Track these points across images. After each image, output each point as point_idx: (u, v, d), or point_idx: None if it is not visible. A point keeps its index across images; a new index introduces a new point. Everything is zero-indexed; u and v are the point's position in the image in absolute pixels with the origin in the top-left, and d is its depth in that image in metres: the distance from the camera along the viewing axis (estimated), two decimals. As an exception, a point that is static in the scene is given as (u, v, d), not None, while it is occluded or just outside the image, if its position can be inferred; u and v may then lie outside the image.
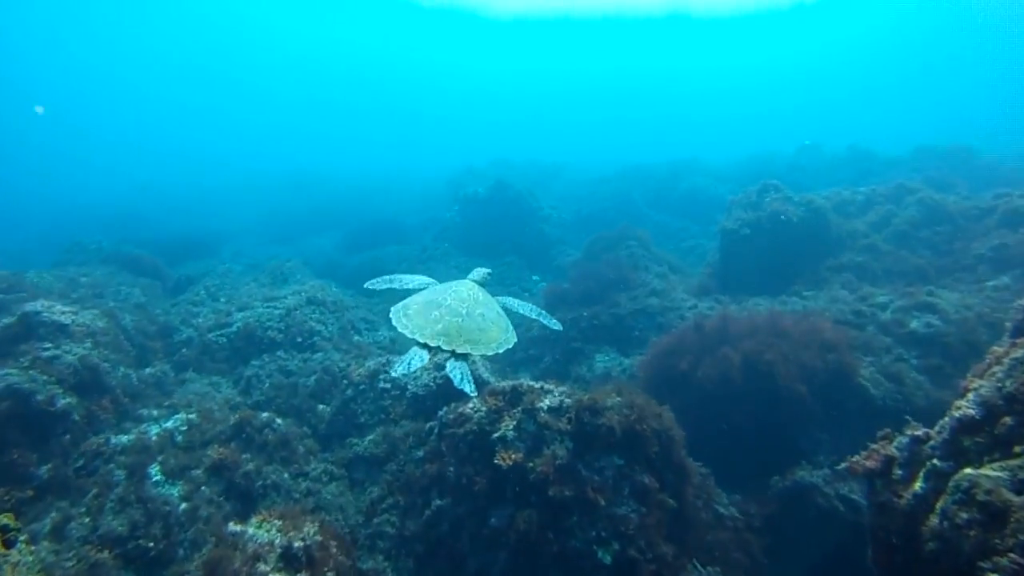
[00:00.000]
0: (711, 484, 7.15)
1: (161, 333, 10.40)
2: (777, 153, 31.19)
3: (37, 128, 74.94)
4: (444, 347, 4.47)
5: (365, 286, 5.48)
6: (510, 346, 4.77)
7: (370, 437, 7.44)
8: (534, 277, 17.22)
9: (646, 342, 10.63)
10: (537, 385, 6.35)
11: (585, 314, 11.08)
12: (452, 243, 19.58)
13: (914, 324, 9.15)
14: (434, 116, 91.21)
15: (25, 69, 76.72)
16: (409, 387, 7.71)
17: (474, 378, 7.28)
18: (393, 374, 5.07)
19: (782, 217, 11.73)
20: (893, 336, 9.13)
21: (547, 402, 6.07)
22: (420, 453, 6.85)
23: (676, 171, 27.71)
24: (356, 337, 10.59)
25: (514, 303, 5.66)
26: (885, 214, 12.59)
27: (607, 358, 10.47)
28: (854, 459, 4.75)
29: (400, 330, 4.64)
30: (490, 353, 4.65)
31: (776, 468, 7.70)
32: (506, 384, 6.40)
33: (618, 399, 6.04)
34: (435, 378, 7.59)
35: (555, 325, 5.57)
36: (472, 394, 4.39)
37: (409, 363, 4.36)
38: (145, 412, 7.76)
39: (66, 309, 8.35)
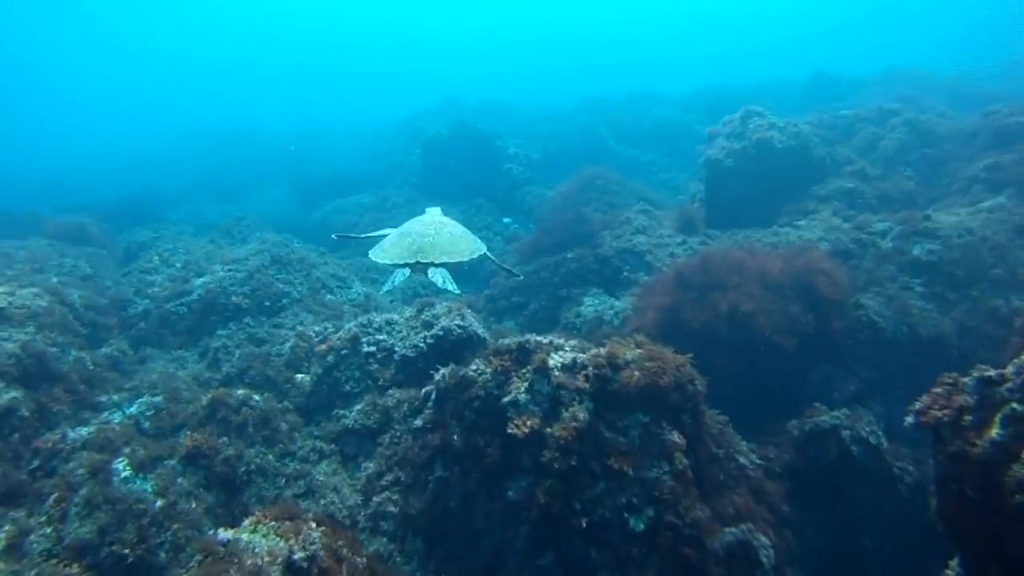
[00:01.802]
0: (730, 432, 6.70)
1: (114, 307, 9.45)
2: (739, 84, 30.66)
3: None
4: (422, 260, 4.97)
5: (334, 236, 5.81)
6: (482, 253, 5.29)
7: (358, 407, 6.78)
8: (505, 219, 16.52)
9: (636, 282, 10.13)
10: (545, 340, 5.75)
11: (569, 256, 10.49)
12: (415, 189, 18.69)
13: (916, 251, 8.81)
14: (369, 69, 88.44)
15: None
16: (397, 349, 7.05)
17: (468, 334, 6.71)
18: (380, 294, 5.41)
19: (776, 146, 11.19)
20: (896, 264, 8.78)
21: (559, 358, 5.49)
22: (418, 422, 6.23)
23: (638, 103, 26.96)
24: (328, 296, 9.82)
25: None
26: (871, 138, 12.18)
27: (596, 301, 9.92)
28: (919, 407, 4.32)
29: (381, 261, 5.13)
30: (465, 259, 5.11)
31: (790, 407, 7.33)
32: (510, 341, 5.78)
33: (638, 351, 5.49)
34: (424, 338, 6.93)
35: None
36: (456, 292, 4.96)
37: (393, 281, 5.05)
38: (105, 399, 6.95)
39: (1, 290, 7.42)
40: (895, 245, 9.04)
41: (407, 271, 5.03)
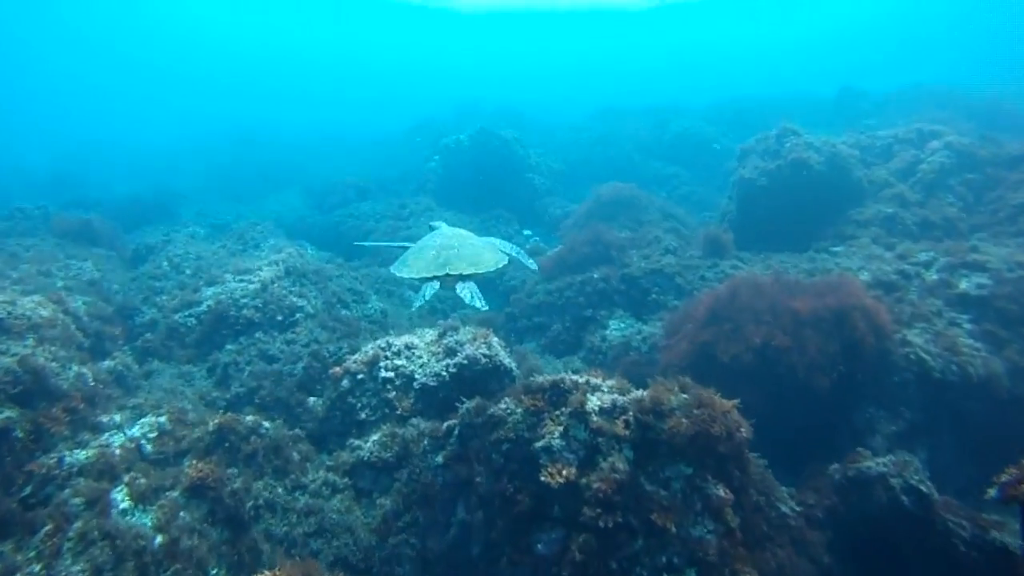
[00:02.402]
0: (769, 477, 6.26)
1: (120, 315, 9.06)
2: (759, 96, 30.20)
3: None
4: (451, 273, 5.08)
5: (355, 244, 6.75)
6: (505, 263, 5.44)
7: (374, 437, 6.35)
8: (525, 232, 16.10)
9: (664, 305, 9.71)
10: (581, 379, 5.31)
11: (595, 275, 10.05)
12: (433, 197, 18.22)
13: (964, 285, 8.33)
14: (382, 69, 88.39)
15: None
16: (417, 377, 6.60)
17: (495, 364, 6.28)
18: (413, 309, 5.88)
19: (813, 167, 10.74)
20: (942, 298, 8.30)
21: (597, 401, 5.06)
22: (439, 459, 5.80)
23: (659, 114, 26.47)
24: (343, 311, 9.38)
25: (496, 241, 6.17)
26: (910, 160, 11.66)
27: (623, 324, 9.49)
28: (1007, 480, 3.90)
29: (407, 276, 5.25)
30: (492, 270, 5.25)
31: (828, 448, 6.90)
32: (543, 379, 5.34)
33: (683, 396, 5.05)
34: (447, 366, 6.49)
35: (532, 265, 6.28)
36: (483, 308, 5.06)
37: (424, 295, 5.12)
38: (106, 419, 6.51)
39: (1, 299, 7.02)
40: (941, 277, 8.58)
41: (436, 284, 5.15)
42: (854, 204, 11.08)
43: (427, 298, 5.10)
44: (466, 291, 5.08)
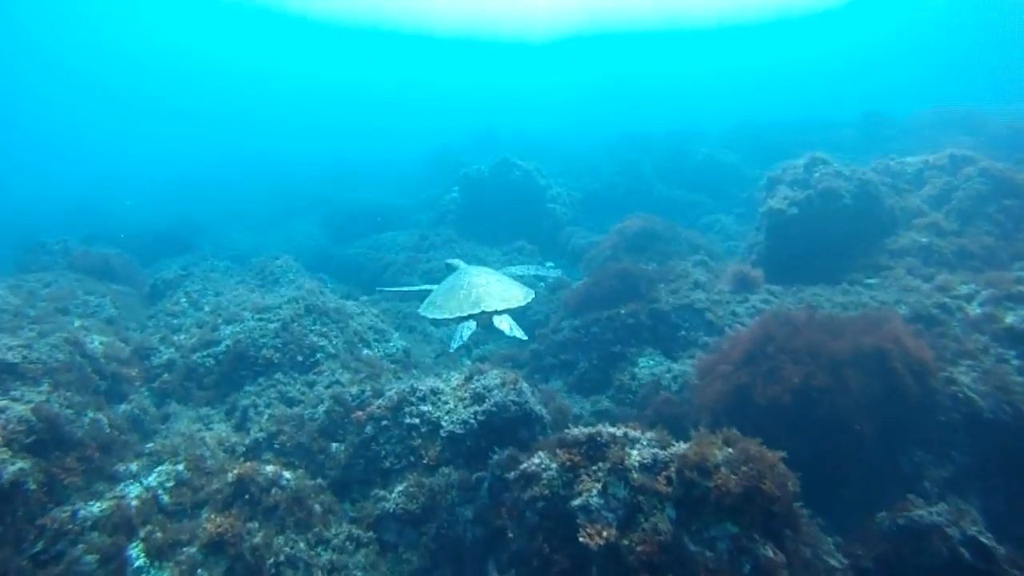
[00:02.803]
0: (815, 530, 5.92)
1: (137, 355, 8.86)
2: (780, 121, 30.01)
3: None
4: (487, 310, 5.08)
5: (378, 290, 6.62)
6: (532, 297, 5.49)
7: (400, 488, 6.07)
8: (547, 263, 15.84)
9: (695, 342, 9.39)
10: (619, 432, 5.02)
11: (622, 311, 9.74)
12: (454, 228, 18.03)
13: (1010, 319, 7.96)
14: (404, 99, 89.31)
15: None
16: (443, 424, 6.33)
17: (525, 411, 6.01)
18: (451, 350, 5.30)
19: (843, 196, 10.45)
20: (987, 333, 7.94)
21: (637, 456, 4.76)
22: (468, 513, 5.52)
23: (679, 141, 26.29)
24: (365, 351, 9.14)
25: (516, 269, 6.71)
26: (943, 187, 11.31)
27: (652, 362, 9.17)
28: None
29: (440, 317, 5.25)
30: (522, 304, 5.29)
31: (872, 495, 6.56)
32: (579, 432, 5.06)
33: (729, 451, 4.74)
34: (475, 413, 6.22)
35: (554, 272, 7.01)
36: (523, 338, 5.10)
37: (461, 335, 5.01)
38: (122, 468, 6.30)
39: (14, 343, 6.83)
40: (985, 311, 8.22)
41: (473, 324, 5.11)
42: (886, 233, 10.75)
43: (465, 339, 5.01)
44: (504, 323, 5.11)
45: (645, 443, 4.93)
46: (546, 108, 69.54)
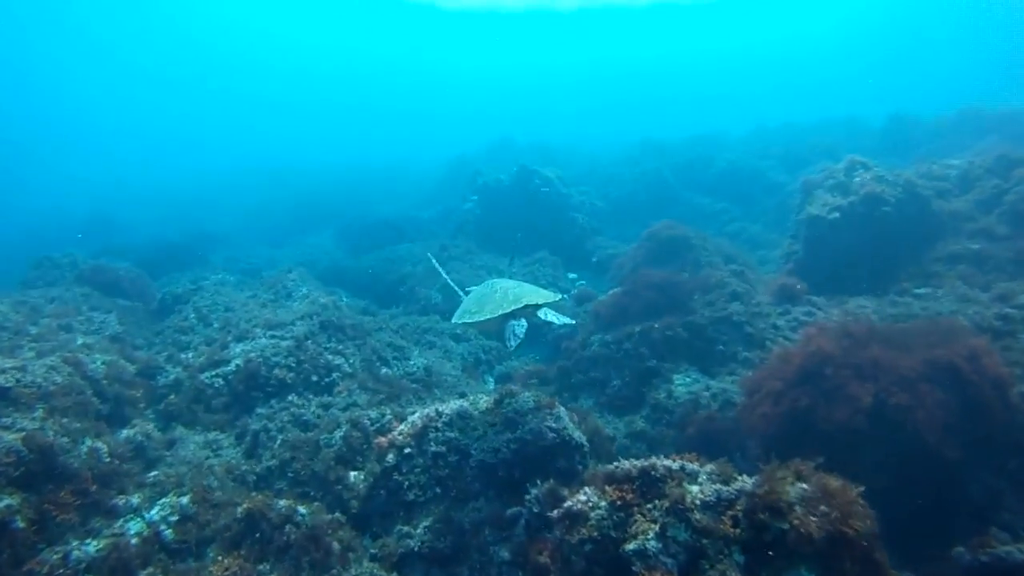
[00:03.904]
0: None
1: (142, 375, 8.34)
2: (801, 123, 29.40)
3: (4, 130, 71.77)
4: (529, 303, 5.11)
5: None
6: (559, 298, 5.57)
7: (425, 523, 5.50)
8: (571, 275, 15.28)
9: (734, 358, 8.80)
10: (675, 465, 4.43)
11: (656, 326, 9.13)
12: (473, 239, 17.48)
13: (1080, 331, 7.34)
14: (417, 109, 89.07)
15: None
16: (472, 452, 5.75)
17: (563, 439, 5.45)
18: (509, 348, 5.17)
19: (888, 201, 9.83)
20: (1059, 347, 7.31)
21: (698, 494, 4.18)
22: (504, 554, 4.94)
23: (701, 146, 25.69)
24: (384, 370, 8.59)
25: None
26: (992, 191, 10.66)
27: (689, 379, 8.56)
28: None
29: (480, 319, 5.16)
30: (558, 299, 5.46)
31: (941, 526, 5.95)
32: (630, 466, 4.47)
33: (803, 487, 4.13)
34: (507, 441, 5.64)
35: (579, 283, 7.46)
36: (572, 322, 5.59)
37: (515, 332, 5.05)
38: (121, 501, 5.75)
39: (8, 364, 6.32)
40: (1054, 322, 7.59)
41: (524, 321, 5.15)
42: (934, 240, 10.12)
43: (520, 336, 5.04)
44: (549, 314, 5.25)
45: (705, 478, 4.35)
46: (564, 116, 69.24)
